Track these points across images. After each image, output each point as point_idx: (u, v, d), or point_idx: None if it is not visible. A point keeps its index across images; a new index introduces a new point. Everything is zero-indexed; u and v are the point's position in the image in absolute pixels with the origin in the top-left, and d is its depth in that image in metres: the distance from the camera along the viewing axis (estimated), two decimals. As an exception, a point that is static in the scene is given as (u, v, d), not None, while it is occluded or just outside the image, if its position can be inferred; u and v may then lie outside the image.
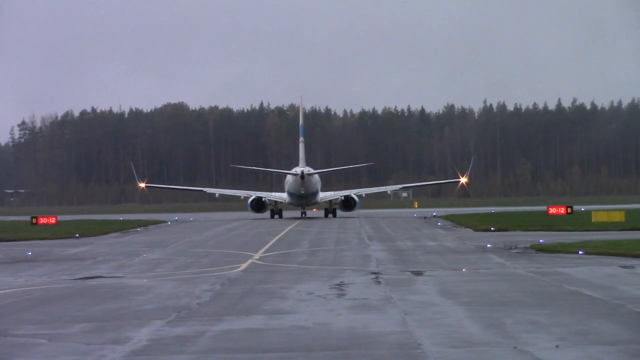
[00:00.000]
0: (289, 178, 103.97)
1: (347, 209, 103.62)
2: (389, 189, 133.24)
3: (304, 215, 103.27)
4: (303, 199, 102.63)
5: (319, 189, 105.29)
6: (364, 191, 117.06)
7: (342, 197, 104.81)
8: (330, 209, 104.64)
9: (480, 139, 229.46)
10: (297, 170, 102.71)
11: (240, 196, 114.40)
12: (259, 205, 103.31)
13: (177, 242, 58.35)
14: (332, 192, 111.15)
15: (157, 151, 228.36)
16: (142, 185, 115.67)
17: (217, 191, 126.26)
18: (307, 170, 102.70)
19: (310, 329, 21.75)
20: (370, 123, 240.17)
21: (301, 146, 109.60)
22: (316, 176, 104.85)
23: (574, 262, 37.73)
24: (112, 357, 18.76)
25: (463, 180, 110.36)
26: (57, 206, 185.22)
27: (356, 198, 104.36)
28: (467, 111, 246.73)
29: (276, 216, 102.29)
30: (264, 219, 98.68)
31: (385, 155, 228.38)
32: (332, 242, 55.40)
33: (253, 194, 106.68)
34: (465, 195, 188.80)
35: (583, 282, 30.25)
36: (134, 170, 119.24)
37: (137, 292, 30.10)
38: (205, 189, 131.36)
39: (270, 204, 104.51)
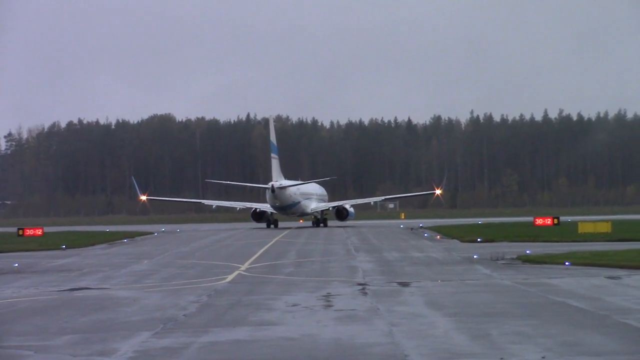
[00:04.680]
0: (267, 191, 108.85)
1: (340, 219, 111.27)
2: (372, 200, 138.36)
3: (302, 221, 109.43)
4: (280, 210, 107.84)
5: (301, 200, 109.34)
6: (346, 203, 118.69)
7: (334, 208, 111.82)
8: (321, 219, 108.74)
9: (467, 150, 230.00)
10: (269, 184, 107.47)
11: (236, 207, 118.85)
12: (259, 215, 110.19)
13: (164, 253, 58.22)
14: (325, 203, 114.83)
15: (143, 162, 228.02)
16: (144, 198, 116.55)
17: (215, 203, 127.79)
18: (279, 184, 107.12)
19: (297, 340, 21.72)
20: (357, 134, 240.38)
21: (274, 162, 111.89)
22: (292, 189, 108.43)
23: (560, 273, 37.78)
24: (98, 369, 18.72)
25: (438, 192, 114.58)
26: (43, 217, 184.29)
27: (349, 209, 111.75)
28: (454, 122, 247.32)
29: (272, 226, 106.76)
30: (256, 228, 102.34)
31: (372, 166, 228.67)
32: (318, 253, 55.37)
33: (254, 206, 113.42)
34: (452, 206, 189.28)
35: (569, 293, 30.29)
36: (136, 185, 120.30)
37: (124, 304, 30.01)
38: (203, 201, 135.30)
39: (267, 215, 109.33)
